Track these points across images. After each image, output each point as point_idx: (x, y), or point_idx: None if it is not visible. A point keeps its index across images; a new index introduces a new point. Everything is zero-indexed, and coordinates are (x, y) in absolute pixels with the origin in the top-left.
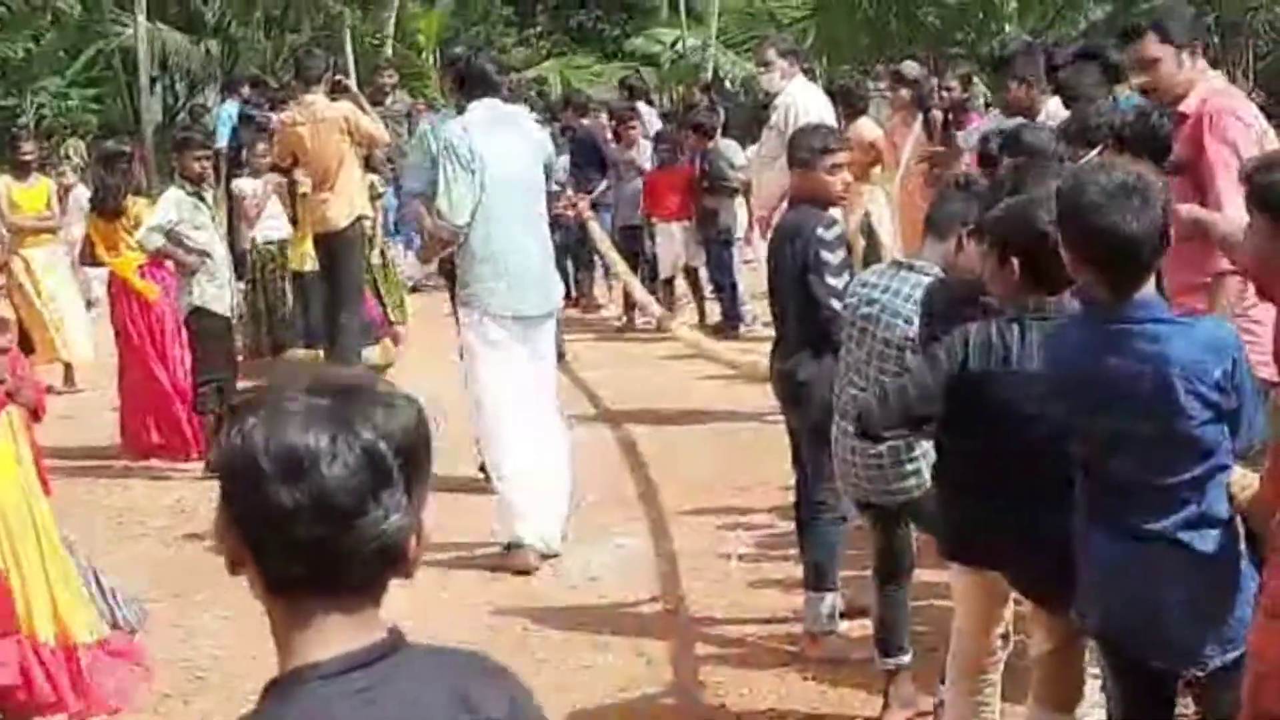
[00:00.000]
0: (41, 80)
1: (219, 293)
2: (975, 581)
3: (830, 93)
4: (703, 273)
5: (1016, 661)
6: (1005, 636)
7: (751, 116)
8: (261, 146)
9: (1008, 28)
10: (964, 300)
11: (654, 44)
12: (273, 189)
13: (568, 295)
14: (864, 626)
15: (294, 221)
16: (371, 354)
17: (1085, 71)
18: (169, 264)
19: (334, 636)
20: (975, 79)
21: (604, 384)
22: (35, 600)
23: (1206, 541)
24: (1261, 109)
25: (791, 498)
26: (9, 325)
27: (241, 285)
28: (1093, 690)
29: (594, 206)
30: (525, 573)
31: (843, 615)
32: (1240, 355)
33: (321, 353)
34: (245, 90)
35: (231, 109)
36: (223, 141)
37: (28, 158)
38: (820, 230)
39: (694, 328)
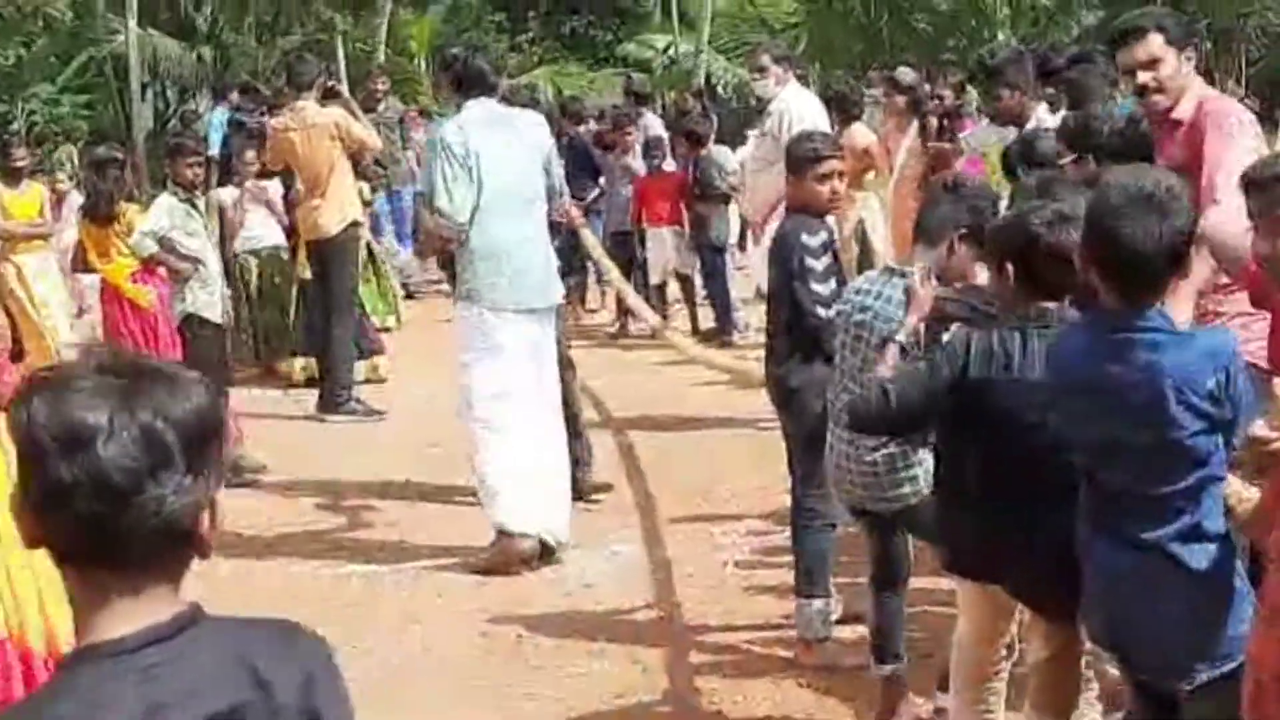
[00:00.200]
0: (33, 86)
1: (211, 300)
2: (981, 594)
3: (824, 98)
4: (696, 279)
5: (1014, 668)
6: (1010, 647)
7: (744, 122)
8: (250, 154)
9: (1000, 35)
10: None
11: (646, 50)
12: (249, 198)
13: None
14: (856, 632)
15: (291, 231)
16: (361, 368)
17: (1091, 73)
18: (161, 270)
19: (124, 612)
20: (968, 86)
21: (598, 390)
22: (27, 610)
23: (1199, 556)
24: (1255, 114)
25: (787, 503)
26: (2, 332)
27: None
28: (1089, 697)
29: (586, 213)
30: (515, 570)
31: (840, 621)
32: (1236, 366)
33: (314, 362)
34: (235, 97)
35: (222, 116)
36: (215, 149)
37: (19, 164)
38: (805, 237)
39: (686, 334)
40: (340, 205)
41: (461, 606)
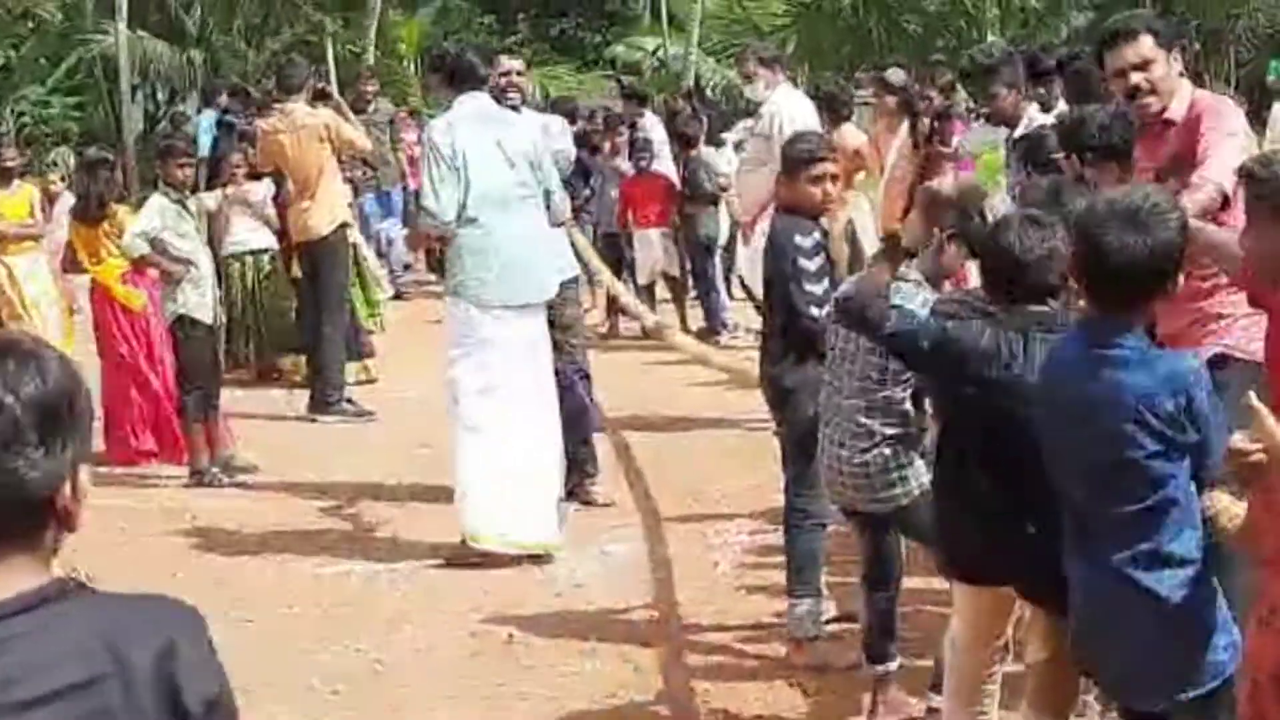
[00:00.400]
0: (22, 88)
1: (203, 301)
2: (977, 595)
3: (814, 99)
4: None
5: (1009, 669)
6: (1004, 648)
7: (732, 124)
8: (237, 157)
9: (989, 36)
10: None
11: (635, 52)
12: (233, 202)
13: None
14: (845, 631)
15: (283, 232)
16: (352, 369)
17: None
18: (152, 272)
19: None
20: (958, 87)
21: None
22: None
23: (1165, 582)
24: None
25: (779, 503)
26: None
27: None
28: (1087, 698)
29: (576, 214)
30: (483, 565)
31: (835, 620)
32: (1199, 389)
33: (304, 361)
34: (223, 99)
35: (210, 118)
36: (204, 151)
37: (9, 165)
38: (798, 238)
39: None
40: (330, 207)
41: (453, 606)
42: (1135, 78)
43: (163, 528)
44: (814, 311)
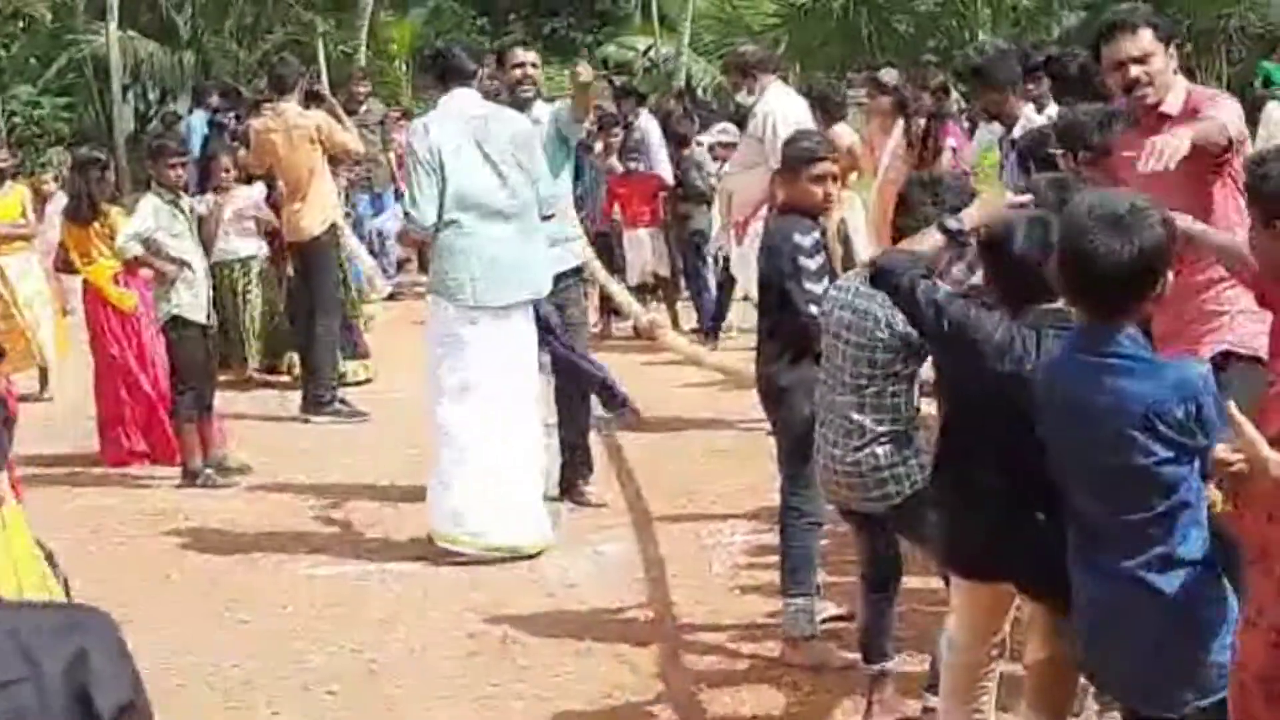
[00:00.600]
0: (13, 88)
1: (196, 301)
2: (977, 592)
3: (809, 98)
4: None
5: (1006, 670)
6: (1001, 646)
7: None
8: (227, 159)
9: (980, 35)
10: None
11: (627, 52)
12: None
13: None
14: (841, 630)
15: (272, 234)
16: (351, 368)
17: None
18: (144, 272)
19: None
20: (951, 88)
21: None
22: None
23: (1174, 583)
24: None
25: (773, 503)
26: None
27: None
28: (1086, 699)
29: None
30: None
31: (830, 620)
32: (1206, 396)
33: (298, 360)
34: (214, 99)
35: (202, 118)
36: (196, 151)
37: (1, 166)
38: (798, 237)
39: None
40: (321, 207)
41: (447, 607)
42: (1135, 70)
43: (156, 529)
44: (814, 310)
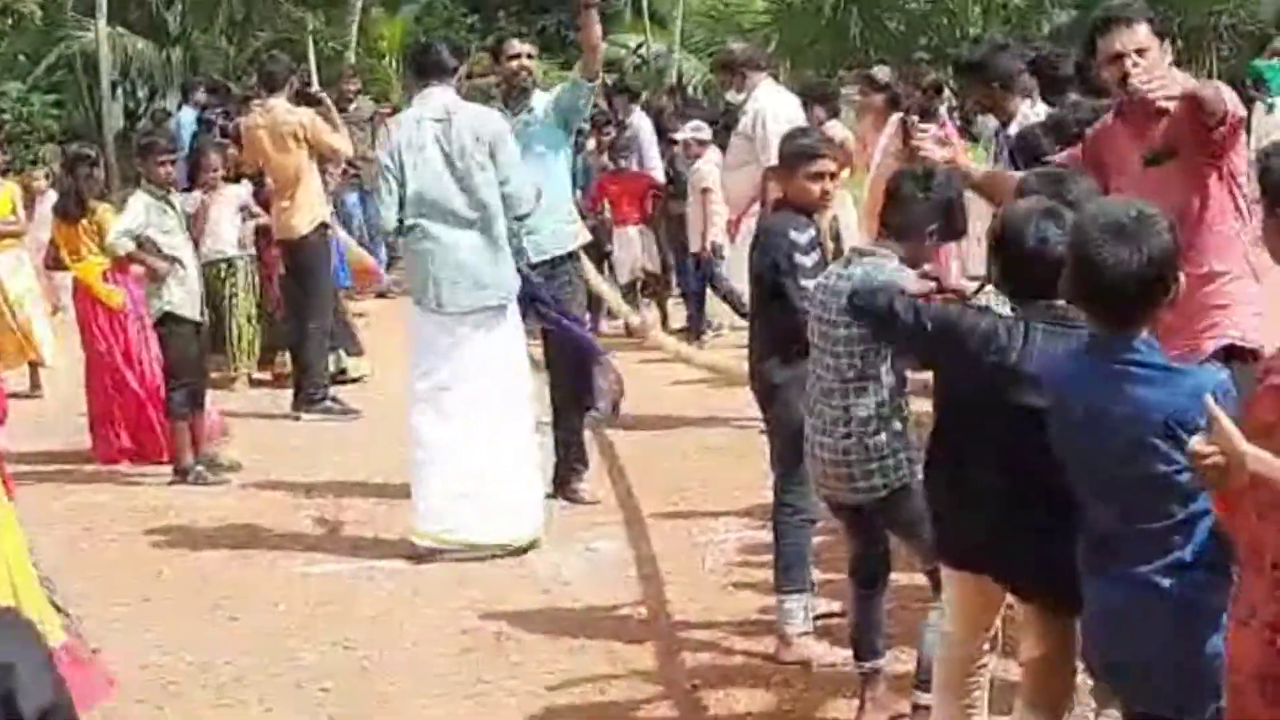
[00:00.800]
0: (2, 85)
1: (188, 298)
2: (970, 584)
3: (803, 96)
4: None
5: (1001, 672)
6: (994, 640)
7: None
8: (215, 157)
9: (971, 33)
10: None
11: (618, 49)
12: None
13: None
14: (835, 627)
15: (261, 232)
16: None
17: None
18: (135, 269)
19: None
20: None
21: None
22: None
23: (1189, 587)
24: None
25: (766, 501)
26: None
27: None
28: (1082, 695)
29: None
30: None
31: (824, 617)
32: (1229, 403)
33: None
34: (201, 96)
35: (190, 115)
36: (186, 148)
37: None
38: (793, 233)
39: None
40: (310, 206)
41: (440, 604)
42: (1130, 64)
43: (147, 526)
44: (808, 307)
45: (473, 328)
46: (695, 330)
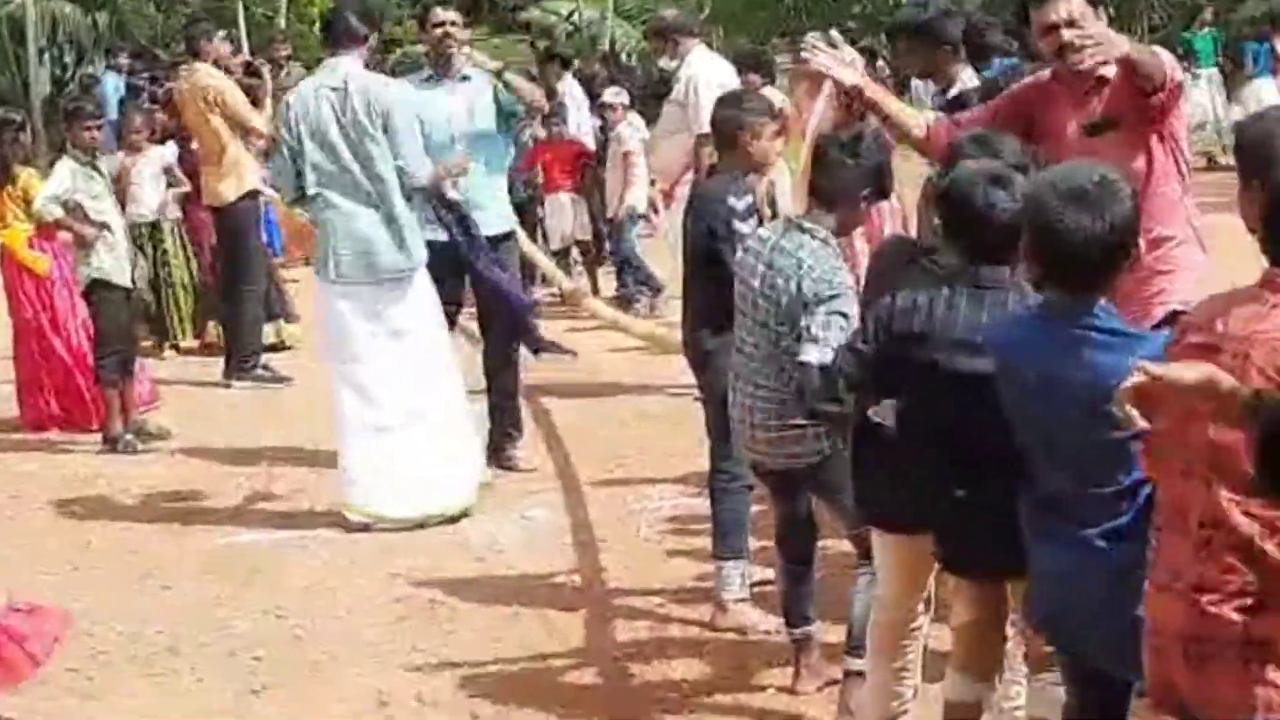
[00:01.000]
0: None
1: (117, 264)
2: (903, 548)
3: (738, 63)
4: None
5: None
6: (927, 602)
7: (643, 87)
8: (139, 121)
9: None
10: (906, 259)
11: (550, 16)
12: (122, 167)
13: None
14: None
15: (189, 196)
16: (269, 330)
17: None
18: (63, 235)
19: None
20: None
21: None
22: None
23: (1123, 551)
24: None
25: (702, 468)
26: None
27: None
28: (1014, 661)
29: None
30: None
31: (761, 584)
32: None
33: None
34: (125, 61)
35: (116, 81)
36: (112, 114)
37: None
38: (732, 200)
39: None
40: (237, 174)
41: (373, 572)
42: (1068, 34)
43: (76, 494)
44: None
45: (373, 300)
46: (627, 299)
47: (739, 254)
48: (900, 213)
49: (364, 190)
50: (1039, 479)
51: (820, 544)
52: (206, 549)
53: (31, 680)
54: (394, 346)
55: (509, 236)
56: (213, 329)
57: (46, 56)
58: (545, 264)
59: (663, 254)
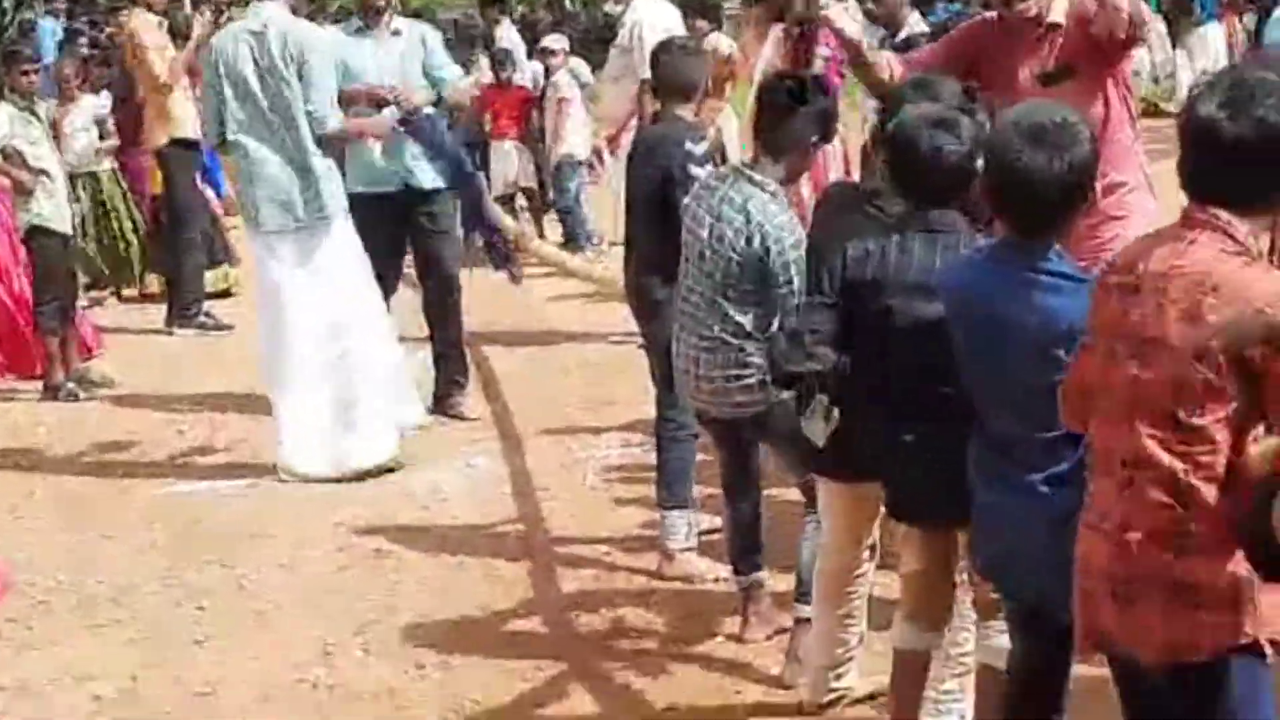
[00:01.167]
0: None
1: (57, 210)
2: (847, 496)
3: (683, 6)
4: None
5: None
6: (872, 549)
7: (586, 31)
8: (69, 68)
9: None
10: (852, 205)
11: None
12: (60, 116)
13: None
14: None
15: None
16: (211, 277)
17: None
18: (1, 181)
19: None
20: None
21: None
22: None
23: (1063, 496)
24: None
25: (647, 416)
26: None
27: None
28: (962, 608)
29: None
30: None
31: (707, 533)
32: None
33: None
34: (63, 5)
35: (54, 25)
36: (49, 58)
37: None
38: (689, 144)
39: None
40: (170, 118)
41: (317, 520)
42: None
43: (17, 443)
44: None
45: (294, 246)
46: (575, 244)
47: (686, 201)
48: (842, 153)
49: (279, 136)
50: (987, 421)
51: (768, 492)
52: (149, 498)
53: None
54: (312, 297)
55: (442, 191)
56: (154, 280)
57: None
58: (492, 210)
59: (607, 202)
